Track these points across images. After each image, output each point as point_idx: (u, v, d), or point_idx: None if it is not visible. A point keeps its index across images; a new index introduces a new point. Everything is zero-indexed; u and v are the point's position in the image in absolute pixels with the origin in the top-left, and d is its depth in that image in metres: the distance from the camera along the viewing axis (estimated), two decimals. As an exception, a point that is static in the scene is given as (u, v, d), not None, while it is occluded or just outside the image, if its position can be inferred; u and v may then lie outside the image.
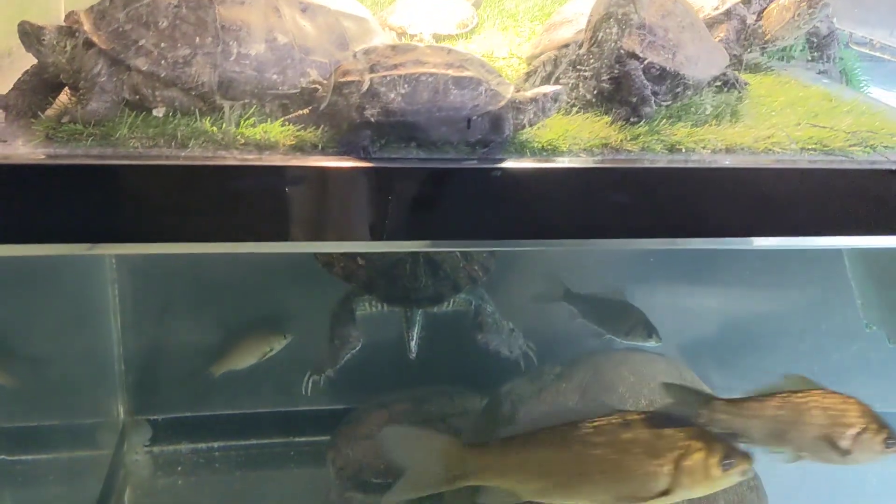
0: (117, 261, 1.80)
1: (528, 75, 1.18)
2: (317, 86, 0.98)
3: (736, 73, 1.28)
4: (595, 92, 1.06)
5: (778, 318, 1.92)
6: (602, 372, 1.51)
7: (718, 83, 1.23)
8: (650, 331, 1.69)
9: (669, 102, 1.14)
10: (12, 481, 1.84)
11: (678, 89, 1.15)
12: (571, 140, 1.00)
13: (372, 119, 0.94)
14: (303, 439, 2.02)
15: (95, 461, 1.89)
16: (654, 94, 1.10)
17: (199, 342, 1.92)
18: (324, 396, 1.97)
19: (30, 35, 0.96)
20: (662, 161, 1.00)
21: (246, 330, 1.84)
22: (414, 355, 1.61)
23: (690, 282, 1.93)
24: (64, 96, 1.04)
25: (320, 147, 0.95)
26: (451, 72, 0.94)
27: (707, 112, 1.10)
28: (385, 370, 1.99)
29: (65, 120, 0.94)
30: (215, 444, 1.99)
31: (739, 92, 1.25)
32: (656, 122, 1.06)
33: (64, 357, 1.80)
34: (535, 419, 1.36)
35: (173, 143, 0.93)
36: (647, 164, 0.98)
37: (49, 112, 0.99)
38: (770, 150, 1.05)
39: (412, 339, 1.60)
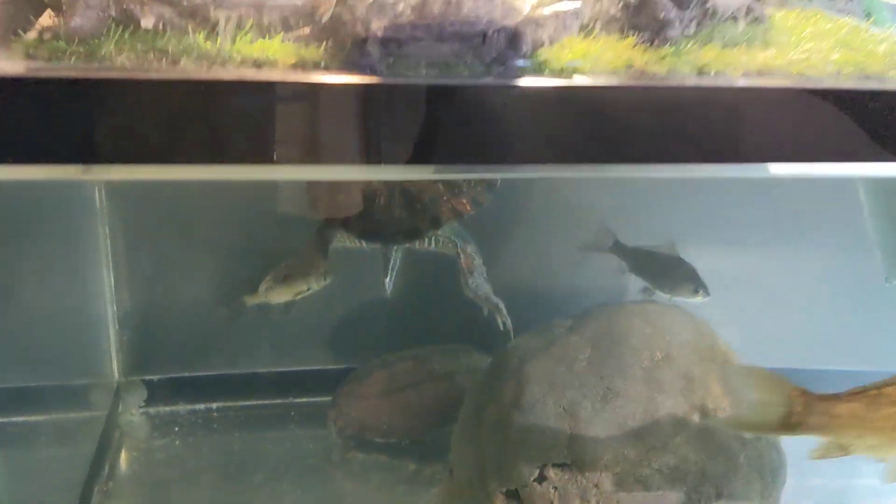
0: (109, 206, 1.73)
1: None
2: None
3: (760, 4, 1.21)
4: (620, 5, 0.98)
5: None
6: (616, 323, 1.45)
7: (744, 13, 1.16)
8: (698, 286, 1.61)
9: (695, 28, 1.07)
10: (1, 443, 1.78)
11: (704, 16, 1.08)
12: (593, 60, 0.93)
13: (379, 34, 0.87)
14: (303, 400, 1.95)
15: (89, 423, 1.83)
16: (679, 19, 1.03)
17: (201, 296, 1.85)
18: (323, 356, 1.91)
19: None
20: (691, 81, 0.92)
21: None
22: (389, 292, 1.53)
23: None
24: (47, 18, 0.96)
25: (323, 65, 0.88)
26: (464, -18, 0.87)
27: (736, 34, 1.03)
28: (384, 329, 1.93)
29: (46, 37, 0.87)
30: (213, 405, 1.93)
31: (763, 23, 1.18)
32: (683, 45, 0.99)
33: (52, 313, 1.73)
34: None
35: (164, 60, 0.85)
36: (675, 84, 0.91)
37: (30, 34, 0.92)
38: (804, 73, 0.98)
39: (387, 276, 1.52)
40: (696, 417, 1.36)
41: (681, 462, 1.31)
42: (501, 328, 1.56)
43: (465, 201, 1.46)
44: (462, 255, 1.51)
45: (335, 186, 1.47)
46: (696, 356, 1.41)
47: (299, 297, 1.70)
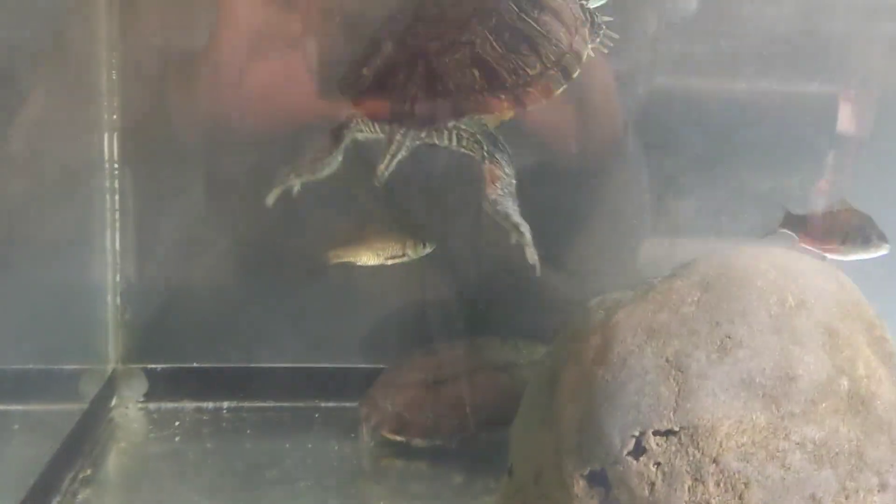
0: (121, 155, 1.48)
1: None
2: None
3: None
4: None
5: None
6: (733, 263, 1.12)
7: None
8: (879, 237, 1.31)
9: None
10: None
11: None
12: None
13: None
14: (331, 404, 1.63)
15: (76, 415, 1.52)
16: None
17: (224, 272, 1.57)
18: (357, 354, 1.61)
19: None
20: None
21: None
22: (380, 184, 1.19)
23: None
24: None
25: None
26: None
27: None
28: (429, 324, 1.63)
29: None
30: (224, 404, 1.62)
31: None
32: None
33: (38, 279, 1.46)
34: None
35: None
36: None
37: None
38: None
39: (384, 164, 1.16)
40: (844, 384, 1.01)
41: (829, 436, 0.96)
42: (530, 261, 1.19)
43: (507, 96, 1.12)
44: (487, 161, 1.17)
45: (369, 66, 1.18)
46: (839, 310, 1.08)
47: (391, 262, 1.40)
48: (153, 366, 1.62)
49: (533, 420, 1.18)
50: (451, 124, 1.17)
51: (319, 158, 1.22)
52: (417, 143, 1.17)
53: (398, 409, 1.46)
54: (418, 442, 1.45)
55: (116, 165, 1.53)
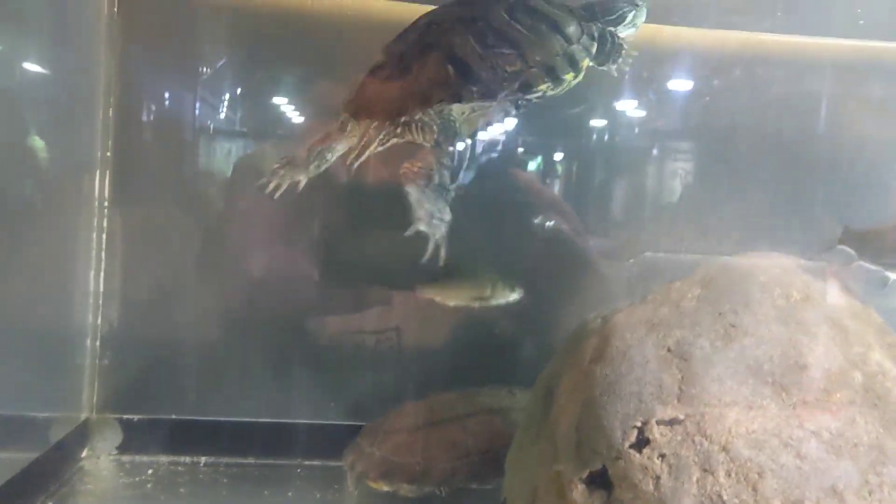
0: (112, 194, 1.47)
1: None
2: None
3: None
4: None
5: None
6: (733, 265, 1.10)
7: None
8: None
9: None
10: None
11: None
12: None
13: None
14: (316, 462, 1.54)
15: (44, 466, 1.42)
16: None
17: (209, 319, 1.52)
18: (346, 411, 1.54)
19: None
20: None
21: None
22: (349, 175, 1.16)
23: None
24: None
25: None
26: None
27: None
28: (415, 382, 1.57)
29: None
30: (202, 459, 1.52)
31: None
32: None
33: (15, 318, 1.40)
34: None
35: None
36: None
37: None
38: None
39: (356, 153, 1.14)
40: (858, 377, 0.95)
41: (846, 427, 0.90)
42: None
43: (479, 87, 1.11)
44: (434, 149, 1.15)
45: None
46: (847, 309, 1.04)
47: (476, 304, 1.36)
48: (129, 416, 1.53)
49: (528, 438, 1.11)
50: (417, 116, 1.16)
51: (315, 155, 1.21)
52: (392, 138, 1.17)
53: (385, 454, 1.36)
54: (406, 490, 1.35)
55: (107, 205, 1.51)
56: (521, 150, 1.64)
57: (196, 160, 1.52)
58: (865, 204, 1.60)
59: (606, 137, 1.67)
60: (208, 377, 1.54)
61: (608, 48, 1.23)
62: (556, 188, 1.67)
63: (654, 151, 1.70)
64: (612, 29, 1.27)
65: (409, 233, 1.07)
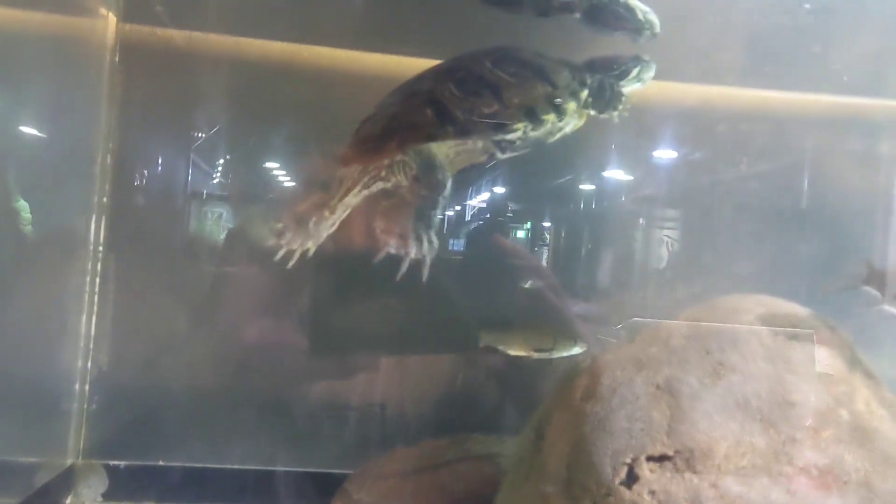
0: (107, 238, 1.48)
1: None
2: None
3: None
4: None
5: None
6: (719, 304, 1.11)
7: None
8: None
9: None
10: None
11: None
12: None
13: None
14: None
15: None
16: None
17: (200, 365, 1.52)
18: (338, 458, 1.53)
19: None
20: None
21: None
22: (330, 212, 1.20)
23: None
24: None
25: None
26: None
27: None
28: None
29: None
30: (189, 509, 1.50)
31: None
32: None
33: (2, 366, 1.39)
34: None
35: None
36: None
37: None
38: None
39: (338, 196, 1.21)
40: (844, 415, 0.96)
41: (834, 464, 0.90)
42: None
43: (455, 127, 1.16)
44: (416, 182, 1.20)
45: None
46: (833, 349, 1.05)
47: (536, 356, 1.38)
48: (116, 462, 1.52)
49: (518, 478, 1.10)
50: (397, 157, 1.20)
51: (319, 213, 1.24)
52: (377, 181, 1.21)
53: (373, 500, 1.35)
54: (395, 536, 1.33)
55: (101, 249, 1.52)
56: (510, 216, 1.68)
57: (190, 208, 1.54)
58: (850, 256, 1.63)
59: (594, 204, 1.71)
60: (196, 424, 1.53)
61: (607, 96, 1.27)
62: (545, 254, 1.71)
63: (641, 219, 1.74)
64: (622, 87, 1.32)
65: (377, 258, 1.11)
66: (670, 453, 0.91)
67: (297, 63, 1.61)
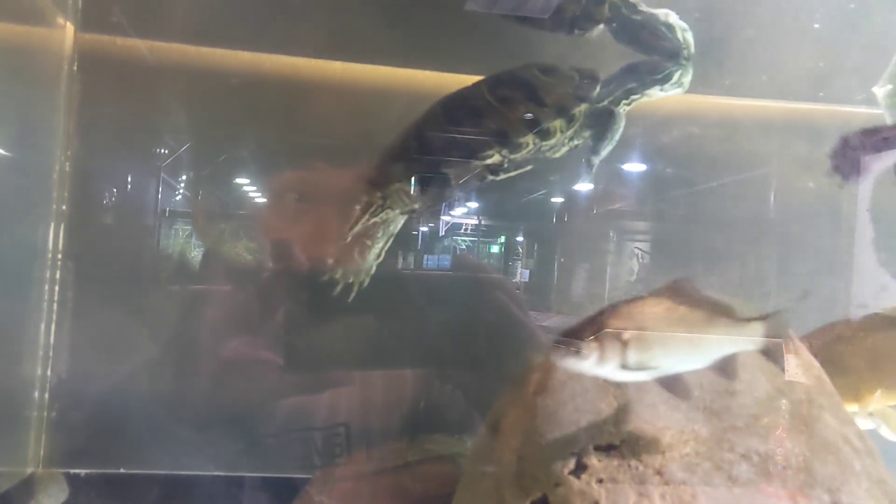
0: (67, 243, 1.49)
1: None
2: None
3: None
4: None
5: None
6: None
7: None
8: None
9: None
10: None
11: None
12: None
13: None
14: (267, 516, 1.52)
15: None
16: None
17: (162, 373, 1.52)
18: (296, 462, 1.54)
19: None
20: None
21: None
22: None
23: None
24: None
25: None
26: None
27: None
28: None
29: None
30: (150, 515, 1.50)
31: None
32: None
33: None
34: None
35: None
36: None
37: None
38: None
39: (351, 223, 1.26)
40: (785, 404, 1.00)
41: (775, 450, 0.93)
42: None
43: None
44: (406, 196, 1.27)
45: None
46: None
47: None
48: (76, 470, 1.51)
49: (475, 474, 1.12)
50: (394, 187, 1.24)
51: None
52: (384, 209, 1.26)
53: (334, 502, 1.36)
54: (356, 537, 1.34)
55: (60, 257, 1.52)
56: (483, 232, 1.72)
57: (150, 217, 1.55)
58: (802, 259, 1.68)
59: (566, 218, 1.75)
60: (157, 431, 1.53)
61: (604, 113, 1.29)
62: (518, 268, 1.74)
63: (611, 232, 1.78)
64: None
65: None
66: (617, 443, 0.94)
67: (263, 73, 1.63)
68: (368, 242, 1.32)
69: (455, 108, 1.26)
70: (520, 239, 1.81)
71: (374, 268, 1.41)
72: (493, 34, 1.46)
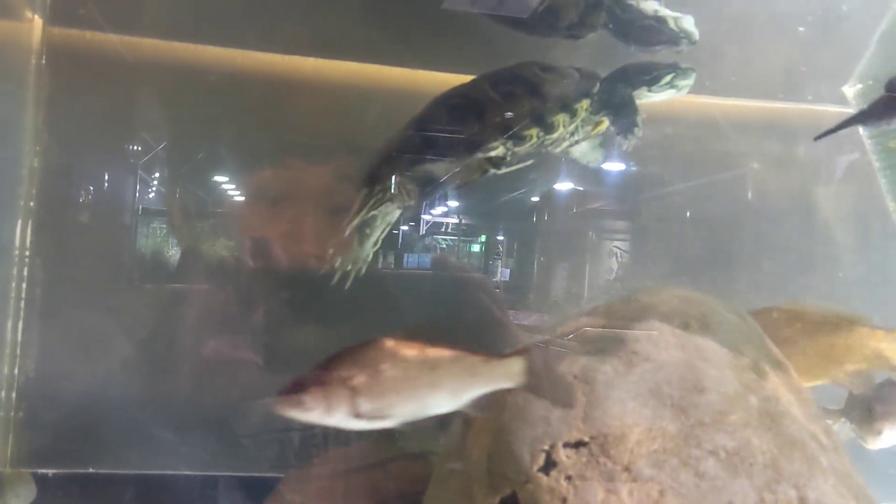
0: (34, 240, 1.46)
1: None
2: None
3: None
4: None
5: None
6: (636, 298, 1.14)
7: None
8: None
9: None
10: None
11: None
12: None
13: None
14: (240, 515, 1.51)
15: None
16: None
17: (131, 376, 1.51)
18: (267, 462, 1.53)
19: None
20: None
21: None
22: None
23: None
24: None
25: None
26: None
27: None
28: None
29: None
30: (121, 516, 1.48)
31: None
32: None
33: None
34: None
35: None
36: None
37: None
38: None
39: (352, 213, 1.28)
40: (753, 400, 1.00)
41: (742, 446, 0.94)
42: None
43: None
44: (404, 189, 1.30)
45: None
46: (742, 337, 1.09)
47: None
48: (44, 471, 1.49)
49: (445, 472, 1.12)
50: (395, 180, 1.25)
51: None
52: (383, 202, 1.30)
53: (306, 500, 1.36)
54: (327, 536, 1.33)
55: (28, 254, 1.50)
56: (463, 231, 1.72)
57: (120, 213, 1.54)
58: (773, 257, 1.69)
59: (546, 217, 1.75)
60: (126, 431, 1.51)
61: (617, 102, 1.29)
62: (499, 267, 1.75)
63: (590, 231, 1.78)
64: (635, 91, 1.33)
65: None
66: (586, 439, 0.94)
67: (239, 70, 1.62)
68: (367, 231, 1.33)
69: (457, 102, 1.27)
70: (500, 238, 1.81)
71: (370, 255, 1.41)
72: (474, 33, 1.47)
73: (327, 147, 1.61)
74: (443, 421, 1.52)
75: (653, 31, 1.34)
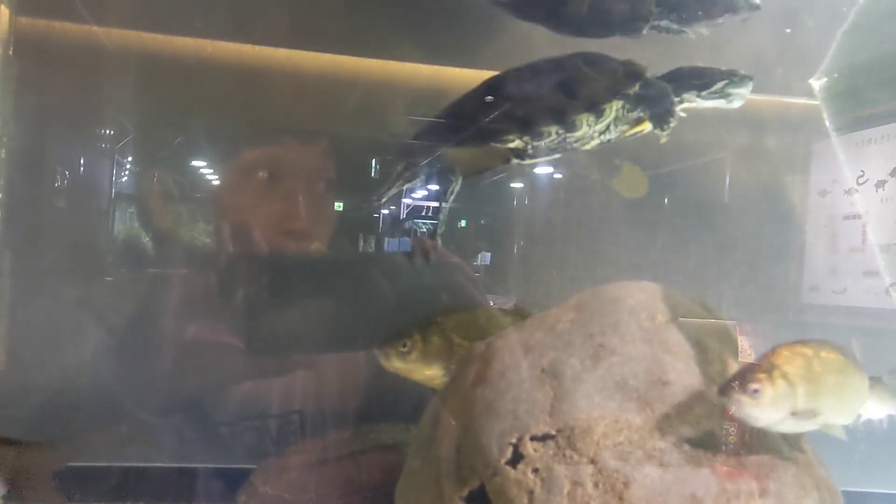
0: (2, 238, 1.45)
1: None
2: None
3: None
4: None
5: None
6: (605, 291, 1.16)
7: None
8: None
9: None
10: None
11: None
12: None
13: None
14: (213, 508, 1.52)
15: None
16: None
17: (104, 367, 1.50)
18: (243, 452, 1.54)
19: None
20: None
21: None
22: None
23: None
24: None
25: None
26: None
27: None
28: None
29: None
30: (94, 509, 1.48)
31: None
32: None
33: None
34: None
35: None
36: None
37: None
38: None
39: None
40: (715, 394, 1.02)
41: (705, 438, 0.96)
42: None
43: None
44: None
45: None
46: (708, 330, 1.11)
47: None
48: (17, 462, 1.48)
49: (416, 464, 1.13)
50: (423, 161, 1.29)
51: None
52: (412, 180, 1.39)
53: (278, 492, 1.36)
54: (300, 526, 1.34)
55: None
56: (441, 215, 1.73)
57: (90, 203, 1.53)
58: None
59: (526, 201, 1.76)
60: (100, 422, 1.51)
61: (656, 103, 1.28)
62: (481, 251, 1.76)
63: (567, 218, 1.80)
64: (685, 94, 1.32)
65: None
66: (553, 432, 0.95)
67: (204, 59, 1.61)
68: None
69: (492, 90, 1.29)
70: (482, 223, 1.82)
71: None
72: (482, 26, 1.47)
73: (305, 135, 1.61)
74: (414, 413, 1.53)
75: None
